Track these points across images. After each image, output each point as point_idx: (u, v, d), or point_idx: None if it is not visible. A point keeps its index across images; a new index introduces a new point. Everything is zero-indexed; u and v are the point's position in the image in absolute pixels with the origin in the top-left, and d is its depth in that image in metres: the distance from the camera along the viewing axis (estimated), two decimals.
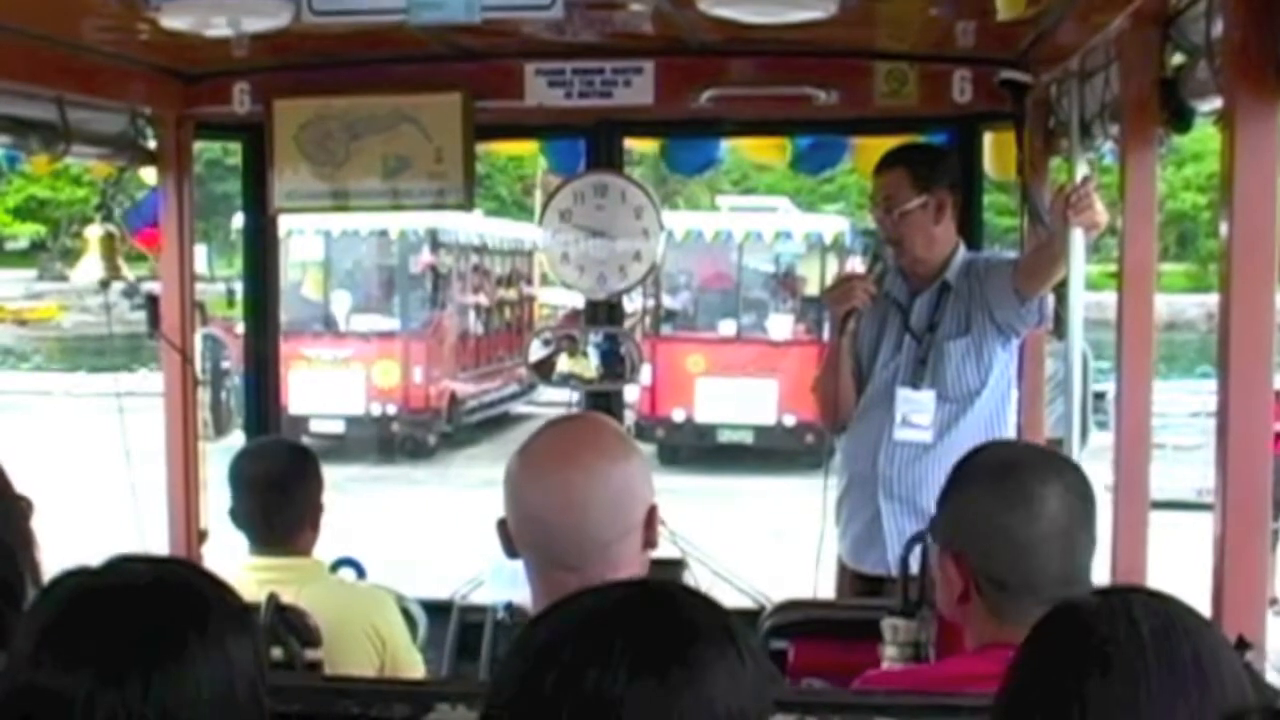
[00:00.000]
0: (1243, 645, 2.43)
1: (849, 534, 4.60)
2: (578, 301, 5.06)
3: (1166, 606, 1.64)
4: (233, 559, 3.84)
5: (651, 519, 2.20)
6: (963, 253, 4.50)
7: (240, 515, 3.82)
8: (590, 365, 4.77)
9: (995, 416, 4.48)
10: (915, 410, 4.42)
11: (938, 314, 4.46)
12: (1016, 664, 1.66)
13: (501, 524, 2.22)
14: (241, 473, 3.86)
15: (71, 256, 36.23)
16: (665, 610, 1.52)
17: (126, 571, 1.70)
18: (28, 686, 1.59)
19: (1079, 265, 3.79)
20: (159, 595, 1.65)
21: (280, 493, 3.80)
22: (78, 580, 1.68)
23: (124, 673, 1.57)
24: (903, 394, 4.44)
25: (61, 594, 1.67)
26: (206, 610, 1.65)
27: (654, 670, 1.45)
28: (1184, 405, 16.12)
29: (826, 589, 4.73)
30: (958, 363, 4.42)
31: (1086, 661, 1.58)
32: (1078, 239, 3.76)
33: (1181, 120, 3.23)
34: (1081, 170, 3.85)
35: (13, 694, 1.60)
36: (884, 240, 4.51)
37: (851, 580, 4.59)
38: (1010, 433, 4.52)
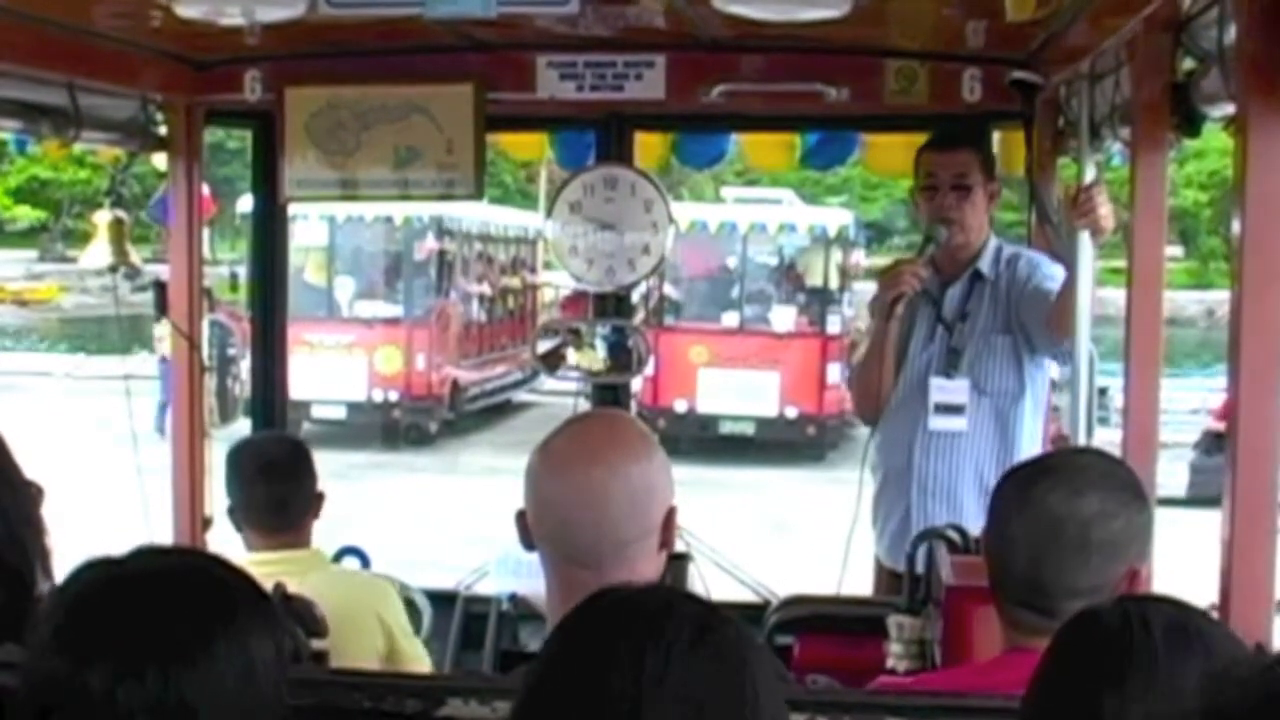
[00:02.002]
0: (1260, 652, 2.44)
1: (886, 532, 4.56)
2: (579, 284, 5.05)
3: (1185, 615, 1.65)
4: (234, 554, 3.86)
5: (670, 520, 2.20)
6: (994, 242, 4.49)
7: (249, 507, 3.83)
8: (598, 357, 4.78)
9: (1033, 424, 4.46)
10: (948, 398, 4.40)
11: (970, 304, 4.45)
12: (1038, 672, 1.67)
13: (520, 516, 2.23)
14: (249, 463, 3.87)
15: (73, 238, 36.24)
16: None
17: (150, 562, 1.70)
18: (48, 678, 1.59)
19: (1087, 266, 3.79)
20: (183, 587, 1.65)
21: (292, 479, 3.85)
22: (100, 571, 1.68)
23: (144, 665, 1.57)
24: (935, 383, 4.42)
25: (83, 584, 1.67)
26: (231, 603, 1.66)
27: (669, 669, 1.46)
28: (1183, 402, 16.15)
29: (846, 585, 4.71)
30: (1000, 359, 4.41)
31: (1104, 670, 1.59)
32: (1085, 240, 3.77)
33: (1191, 125, 3.24)
34: (1090, 171, 3.85)
35: (33, 685, 1.61)
36: (935, 221, 4.41)
37: (888, 579, 4.50)
38: (1039, 435, 4.49)
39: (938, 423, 4.41)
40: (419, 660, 3.89)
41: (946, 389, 4.42)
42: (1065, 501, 2.32)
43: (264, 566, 3.63)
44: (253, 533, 3.82)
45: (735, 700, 1.47)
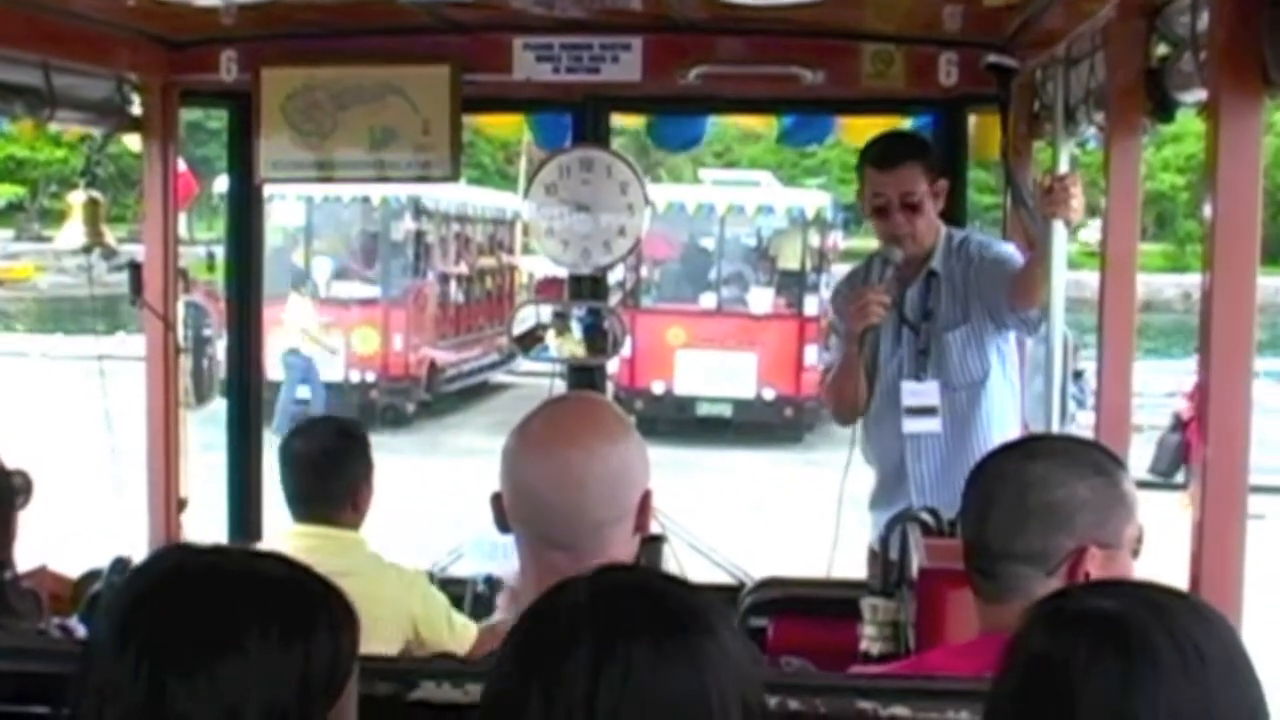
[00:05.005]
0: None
1: (883, 523, 4.52)
2: (552, 269, 5.05)
3: (1160, 596, 1.62)
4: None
5: (646, 504, 2.21)
6: (943, 232, 4.48)
7: (285, 491, 3.88)
8: (574, 340, 4.78)
9: (1006, 404, 4.47)
10: (920, 401, 4.40)
11: (929, 301, 4.45)
12: (1006, 655, 1.64)
13: (496, 498, 2.22)
14: (286, 451, 3.89)
15: (50, 217, 36.04)
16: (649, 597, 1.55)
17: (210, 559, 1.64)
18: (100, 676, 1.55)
19: (1060, 252, 3.81)
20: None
21: (315, 474, 3.84)
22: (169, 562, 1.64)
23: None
24: (907, 387, 4.42)
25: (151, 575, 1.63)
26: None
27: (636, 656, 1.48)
28: (1159, 385, 16.23)
29: (836, 568, 4.70)
30: (959, 351, 4.40)
31: (1077, 651, 1.57)
32: (1059, 226, 3.78)
33: (1165, 110, 3.25)
34: (1065, 154, 3.87)
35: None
36: (889, 240, 4.41)
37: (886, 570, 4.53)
38: (1017, 420, 4.49)
39: (911, 426, 4.41)
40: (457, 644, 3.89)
41: (918, 392, 4.41)
42: (1013, 464, 2.35)
43: (303, 539, 3.67)
44: (291, 514, 3.86)
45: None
